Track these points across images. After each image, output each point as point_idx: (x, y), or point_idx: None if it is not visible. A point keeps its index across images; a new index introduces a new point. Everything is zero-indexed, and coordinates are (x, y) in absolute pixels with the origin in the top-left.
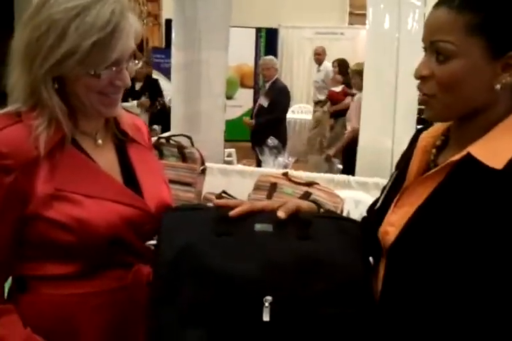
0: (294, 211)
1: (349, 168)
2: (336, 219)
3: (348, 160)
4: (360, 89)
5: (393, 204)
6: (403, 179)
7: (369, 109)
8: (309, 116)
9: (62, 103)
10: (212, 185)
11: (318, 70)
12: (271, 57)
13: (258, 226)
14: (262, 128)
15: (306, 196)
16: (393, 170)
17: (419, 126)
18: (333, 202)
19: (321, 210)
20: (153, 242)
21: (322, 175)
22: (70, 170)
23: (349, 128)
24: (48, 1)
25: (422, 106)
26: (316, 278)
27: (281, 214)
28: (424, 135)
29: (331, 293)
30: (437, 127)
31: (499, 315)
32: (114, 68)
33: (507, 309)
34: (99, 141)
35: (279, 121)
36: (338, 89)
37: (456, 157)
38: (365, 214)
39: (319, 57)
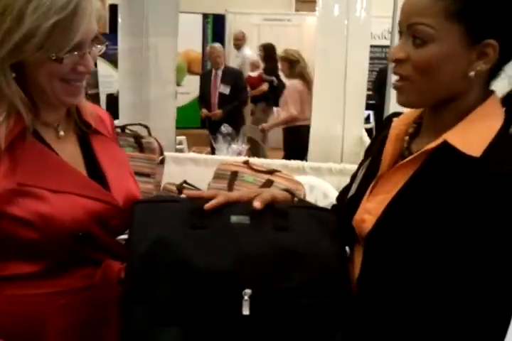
0: (269, 201)
1: (290, 154)
2: (311, 209)
3: (288, 144)
4: (288, 76)
5: (368, 192)
6: (377, 167)
7: (320, 96)
8: None
9: (22, 92)
10: (165, 173)
11: (237, 56)
12: (218, 44)
13: (234, 218)
14: (228, 116)
15: (267, 184)
16: (343, 155)
17: (367, 112)
18: (295, 189)
19: (295, 199)
20: (125, 237)
21: (276, 161)
22: (32, 163)
23: (284, 113)
24: None
25: (370, 92)
26: (294, 268)
27: (257, 204)
28: (396, 123)
29: (309, 283)
30: (409, 114)
31: (474, 301)
32: (76, 52)
33: (481, 295)
34: (61, 133)
35: (242, 105)
36: (255, 74)
37: (432, 145)
38: (319, 198)
39: (239, 42)
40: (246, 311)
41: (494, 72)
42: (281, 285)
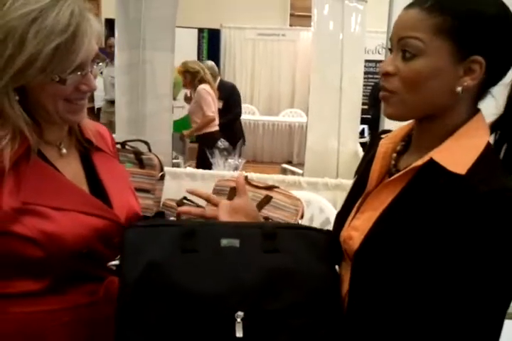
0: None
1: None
2: (300, 230)
3: (202, 148)
4: (192, 87)
5: (355, 209)
6: (364, 184)
7: (315, 110)
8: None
9: (26, 114)
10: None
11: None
12: (211, 62)
13: (224, 242)
14: (222, 129)
15: (266, 200)
16: (339, 169)
17: (361, 126)
18: (294, 205)
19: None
20: (115, 263)
21: (273, 176)
22: (36, 182)
23: (197, 119)
24: (1, 9)
25: (365, 106)
26: (284, 290)
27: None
28: (384, 141)
29: (299, 304)
30: (396, 133)
31: (463, 315)
32: (79, 72)
33: (470, 309)
34: (64, 151)
35: (237, 119)
36: None
37: (419, 162)
38: (315, 212)
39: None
40: (239, 333)
41: (481, 92)
42: (272, 306)
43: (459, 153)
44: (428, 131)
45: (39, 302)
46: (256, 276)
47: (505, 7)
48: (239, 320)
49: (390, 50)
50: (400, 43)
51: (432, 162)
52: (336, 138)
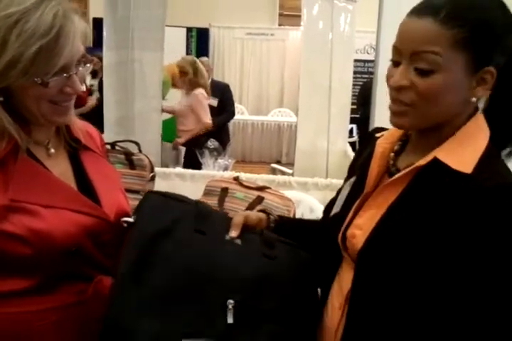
0: (242, 222)
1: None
2: (295, 248)
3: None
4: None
5: (354, 209)
6: (362, 185)
7: (305, 110)
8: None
9: (9, 115)
10: (152, 189)
11: None
12: (206, 58)
13: (228, 237)
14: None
15: (258, 200)
16: (329, 168)
17: (350, 125)
18: (286, 205)
19: (272, 217)
20: (129, 219)
21: (263, 176)
22: (24, 180)
23: (187, 123)
24: None
25: (354, 106)
26: (271, 296)
27: (233, 234)
28: (380, 141)
29: (279, 311)
30: (392, 132)
31: (469, 315)
32: (64, 74)
33: (477, 309)
34: (52, 150)
35: (231, 119)
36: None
37: (423, 162)
38: (305, 212)
39: None
40: (230, 319)
41: None
42: (258, 305)
43: (462, 152)
44: (429, 134)
45: (27, 301)
46: (252, 274)
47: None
48: (230, 307)
49: (398, 62)
50: (415, 57)
51: (435, 161)
52: (325, 137)
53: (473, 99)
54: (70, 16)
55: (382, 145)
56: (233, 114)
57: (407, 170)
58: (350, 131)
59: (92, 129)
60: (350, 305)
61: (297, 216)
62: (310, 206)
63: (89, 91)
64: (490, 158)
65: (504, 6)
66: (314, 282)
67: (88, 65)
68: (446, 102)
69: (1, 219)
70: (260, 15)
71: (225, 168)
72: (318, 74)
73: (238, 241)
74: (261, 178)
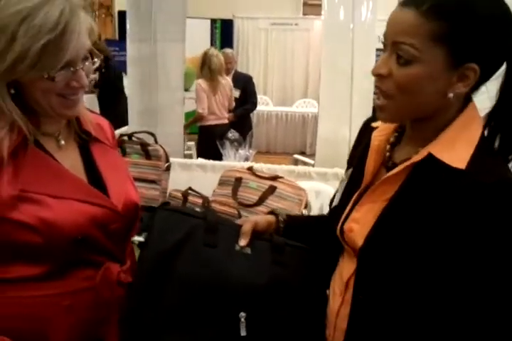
0: (251, 230)
1: (201, 153)
2: (304, 251)
3: (200, 143)
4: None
5: (352, 203)
6: (359, 178)
7: (326, 100)
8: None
9: (20, 108)
10: (173, 180)
11: None
12: (230, 49)
13: (238, 247)
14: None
15: (270, 190)
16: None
17: None
18: (298, 194)
19: (280, 218)
20: (140, 239)
21: (283, 166)
22: (34, 171)
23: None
24: None
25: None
26: (282, 303)
27: (242, 243)
28: (376, 133)
29: (287, 319)
30: (388, 125)
31: (472, 307)
32: (70, 69)
33: (479, 301)
34: (62, 142)
35: (253, 110)
36: None
37: (417, 157)
38: (324, 203)
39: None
40: (243, 332)
41: (473, 89)
42: (274, 314)
43: (456, 146)
44: (422, 126)
45: (38, 286)
46: (263, 285)
47: (504, 10)
48: (242, 319)
49: (385, 48)
50: (394, 47)
51: (430, 156)
52: (347, 127)
53: (450, 95)
54: (76, 13)
55: (378, 137)
56: (255, 106)
57: (403, 165)
58: None
59: (103, 121)
60: (353, 298)
61: (317, 207)
62: (330, 197)
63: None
64: (483, 151)
65: (492, 5)
66: (322, 283)
67: (96, 59)
68: (423, 95)
69: (12, 209)
70: (284, 5)
71: (246, 159)
72: (339, 63)
73: (248, 250)
74: (281, 169)
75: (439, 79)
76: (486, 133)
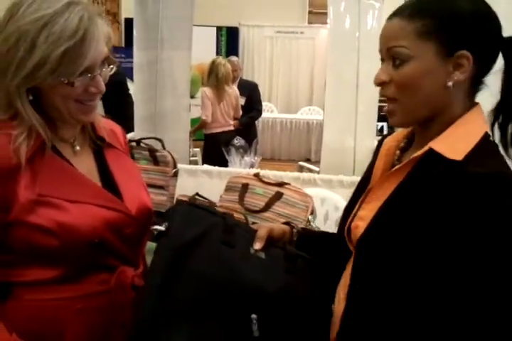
0: (266, 235)
1: (207, 160)
2: (314, 264)
3: (205, 150)
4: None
5: (360, 201)
6: (367, 181)
7: (331, 108)
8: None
9: (38, 114)
10: (179, 185)
11: None
12: (236, 57)
13: (252, 251)
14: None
15: (277, 196)
16: (356, 166)
17: (379, 124)
18: (304, 201)
19: (294, 230)
20: (161, 228)
21: (289, 173)
22: (51, 176)
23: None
24: (15, 13)
25: (383, 104)
26: (290, 312)
27: (257, 246)
28: (387, 140)
29: (296, 327)
30: (400, 132)
31: (467, 304)
32: (88, 75)
33: (474, 297)
34: (77, 148)
35: (259, 117)
36: None
37: (419, 153)
38: (330, 210)
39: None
40: (256, 333)
41: (475, 85)
42: (283, 320)
43: (457, 141)
44: (428, 129)
45: (54, 290)
46: (276, 291)
47: (481, 1)
48: (254, 321)
49: (382, 60)
50: (389, 53)
51: (431, 152)
52: (352, 135)
53: (450, 84)
54: (94, 20)
55: (388, 143)
56: (260, 113)
57: (405, 162)
58: (381, 129)
59: (116, 127)
60: (350, 287)
61: (322, 213)
62: (335, 204)
63: None
64: (484, 147)
65: None
66: (328, 298)
67: (112, 66)
68: (424, 89)
69: (30, 213)
70: (290, 14)
71: (251, 166)
72: (345, 71)
73: (262, 255)
74: (286, 175)
75: (435, 72)
76: (496, 126)
